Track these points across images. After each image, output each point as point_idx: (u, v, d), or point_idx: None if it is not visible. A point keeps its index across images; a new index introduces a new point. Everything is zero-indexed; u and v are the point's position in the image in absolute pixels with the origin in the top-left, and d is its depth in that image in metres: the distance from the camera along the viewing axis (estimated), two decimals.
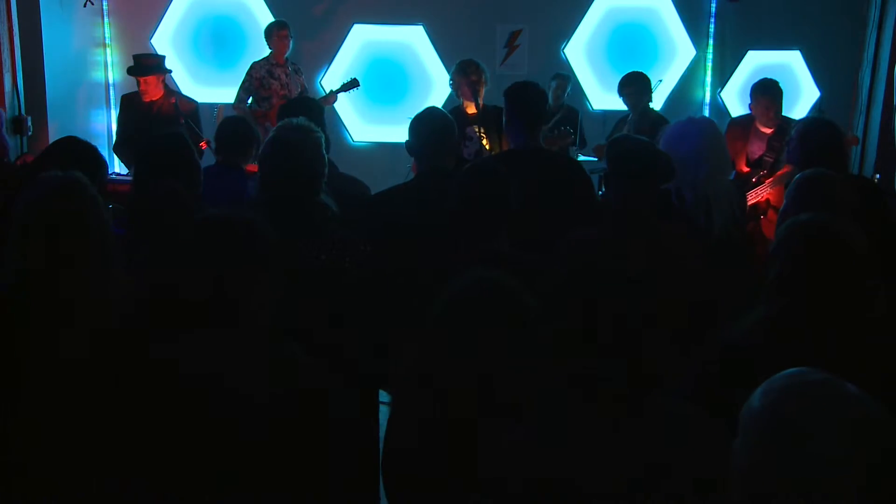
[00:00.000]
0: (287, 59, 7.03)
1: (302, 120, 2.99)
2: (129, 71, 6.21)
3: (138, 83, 6.11)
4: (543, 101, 3.73)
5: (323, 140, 2.94)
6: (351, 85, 6.90)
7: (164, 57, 6.44)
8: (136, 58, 6.31)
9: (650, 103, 5.89)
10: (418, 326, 2.05)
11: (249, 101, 6.96)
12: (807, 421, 1.31)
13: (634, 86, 5.86)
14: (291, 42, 7.03)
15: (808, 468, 1.29)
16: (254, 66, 6.94)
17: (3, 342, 2.18)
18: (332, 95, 6.92)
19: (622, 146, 3.13)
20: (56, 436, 2.11)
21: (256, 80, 6.89)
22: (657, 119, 5.62)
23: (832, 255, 2.13)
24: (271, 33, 6.96)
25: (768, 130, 5.28)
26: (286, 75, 6.98)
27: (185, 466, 1.97)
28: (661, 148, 3.34)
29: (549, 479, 1.65)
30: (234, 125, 4.57)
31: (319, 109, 4.01)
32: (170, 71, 6.42)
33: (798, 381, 1.38)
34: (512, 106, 3.76)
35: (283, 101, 6.76)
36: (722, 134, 3.67)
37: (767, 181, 5.00)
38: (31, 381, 2.15)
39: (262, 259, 2.10)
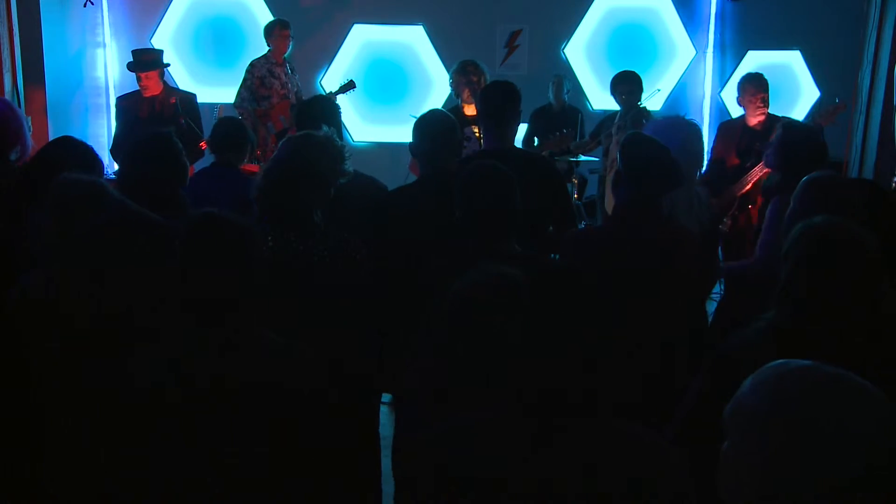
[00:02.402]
0: (285, 58, 7.01)
1: (333, 132, 3.00)
2: (129, 66, 6.20)
3: (139, 79, 6.10)
4: (513, 102, 3.70)
5: (344, 157, 2.94)
6: (348, 87, 6.90)
7: (161, 51, 6.42)
8: (136, 53, 6.28)
9: (640, 103, 5.86)
10: (423, 324, 2.04)
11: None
12: (814, 408, 1.28)
13: (626, 84, 5.83)
14: (291, 42, 7.02)
15: (833, 461, 1.26)
16: (255, 65, 6.89)
17: (25, 343, 2.19)
18: (331, 97, 6.89)
19: (640, 149, 3.08)
20: (64, 435, 2.12)
21: (258, 79, 6.85)
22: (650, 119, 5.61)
23: (846, 259, 2.11)
24: (272, 31, 6.91)
25: (754, 123, 5.33)
26: (285, 75, 6.97)
27: (184, 465, 1.97)
28: None
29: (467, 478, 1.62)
30: (227, 126, 4.57)
31: (336, 109, 4.00)
32: (168, 64, 6.42)
33: (791, 370, 1.35)
34: (483, 107, 3.77)
35: (284, 101, 6.74)
36: (692, 139, 3.63)
37: (756, 168, 5.03)
38: (47, 379, 2.16)
39: (251, 259, 2.10)
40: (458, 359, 1.92)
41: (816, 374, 1.34)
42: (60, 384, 2.13)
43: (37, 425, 2.16)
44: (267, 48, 6.96)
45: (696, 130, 3.63)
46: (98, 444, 2.03)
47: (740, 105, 5.48)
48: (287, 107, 6.66)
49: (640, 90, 5.85)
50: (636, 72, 5.99)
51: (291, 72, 7.08)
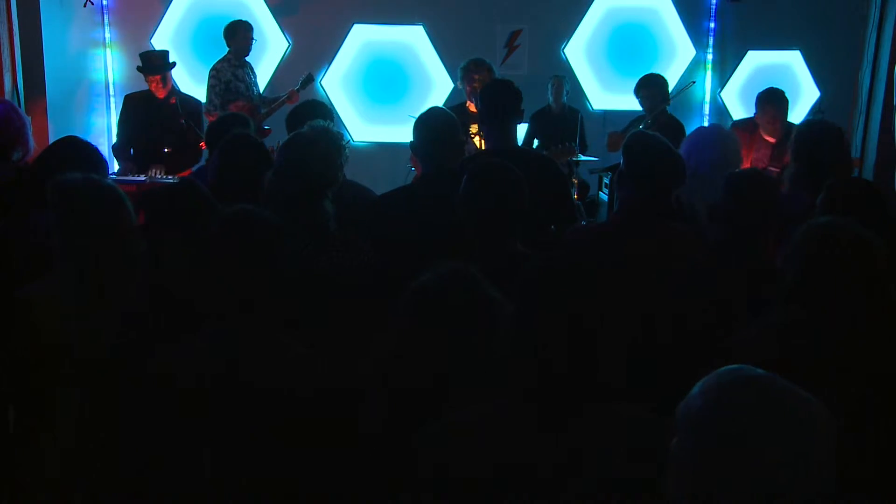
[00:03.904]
0: (245, 59, 6.91)
1: (331, 125, 3.00)
2: (141, 69, 6.26)
3: (148, 81, 6.13)
4: (516, 101, 3.71)
5: (344, 149, 2.94)
6: (308, 81, 6.93)
7: (167, 52, 6.46)
8: (144, 56, 6.33)
9: (667, 106, 5.85)
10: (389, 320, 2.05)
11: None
12: (750, 419, 1.29)
13: (650, 88, 5.83)
14: (253, 43, 6.91)
15: (751, 467, 1.27)
16: (218, 69, 6.70)
17: (41, 342, 2.18)
18: (295, 94, 6.80)
19: (640, 147, 3.09)
20: (74, 431, 2.13)
21: (224, 84, 6.70)
22: (670, 122, 5.60)
23: (851, 258, 2.11)
24: (237, 32, 6.76)
25: (772, 140, 5.27)
26: (248, 76, 6.90)
27: (191, 461, 1.97)
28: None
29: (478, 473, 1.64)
30: (229, 121, 4.52)
31: (329, 112, 4.01)
32: (174, 64, 6.45)
33: (739, 378, 1.35)
34: (484, 107, 3.78)
35: (246, 106, 6.61)
36: (722, 144, 3.63)
37: None
38: (67, 375, 2.16)
39: (278, 258, 2.11)
40: (414, 356, 1.92)
41: (767, 385, 1.33)
42: (73, 384, 2.13)
43: (45, 424, 2.16)
44: (227, 49, 6.79)
45: (731, 138, 3.64)
46: (109, 440, 2.04)
47: (756, 120, 5.40)
48: (250, 111, 6.58)
49: (662, 93, 5.84)
50: (661, 75, 6.00)
51: (252, 73, 7.00)
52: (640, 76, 5.96)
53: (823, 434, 1.30)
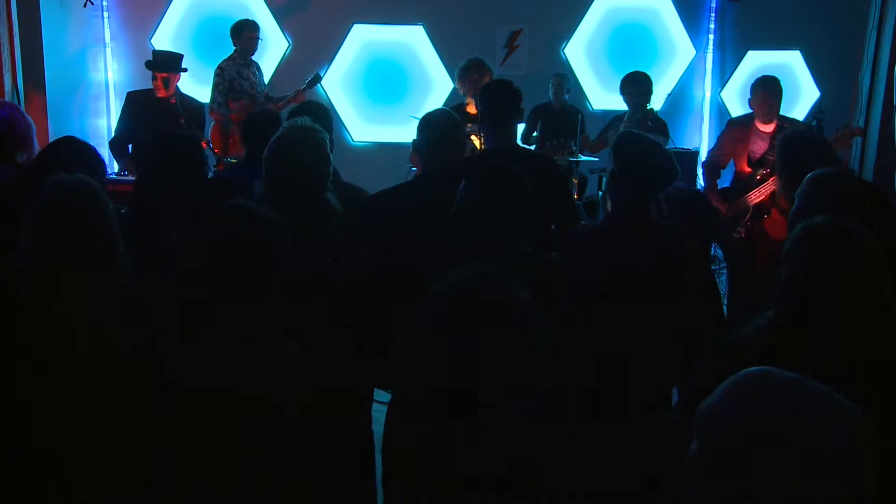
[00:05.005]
0: (252, 59, 6.94)
1: (306, 120, 3.00)
2: (149, 65, 6.24)
3: (154, 78, 6.14)
4: (515, 101, 3.72)
5: (327, 141, 2.96)
6: (315, 81, 6.96)
7: (182, 56, 6.45)
8: (157, 53, 6.34)
9: (648, 105, 5.86)
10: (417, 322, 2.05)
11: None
12: (782, 422, 1.26)
13: (636, 85, 5.83)
14: (259, 42, 6.94)
15: (783, 469, 1.26)
16: (223, 68, 6.75)
17: (15, 343, 2.18)
18: (301, 94, 6.82)
19: (633, 147, 3.10)
20: (64, 436, 2.12)
21: (228, 83, 6.73)
22: (657, 121, 5.61)
23: (847, 259, 2.11)
24: (242, 31, 6.80)
25: (768, 129, 5.25)
26: (253, 75, 6.92)
27: (187, 466, 1.97)
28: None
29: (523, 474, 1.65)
30: (260, 118, 4.46)
31: (328, 112, 4.01)
32: (185, 70, 6.43)
33: (768, 382, 1.32)
34: (484, 107, 3.78)
35: (250, 104, 6.62)
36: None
37: (771, 179, 4.98)
38: (40, 382, 2.15)
39: (281, 259, 2.10)
40: (446, 358, 1.92)
41: (797, 388, 1.31)
42: (72, 384, 2.13)
43: (45, 424, 2.15)
44: (233, 48, 6.83)
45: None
46: (109, 440, 2.03)
47: (750, 106, 5.41)
48: (252, 109, 6.59)
49: (649, 91, 5.84)
50: (646, 73, 6.00)
51: (258, 72, 7.02)
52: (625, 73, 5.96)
53: (857, 434, 1.28)
